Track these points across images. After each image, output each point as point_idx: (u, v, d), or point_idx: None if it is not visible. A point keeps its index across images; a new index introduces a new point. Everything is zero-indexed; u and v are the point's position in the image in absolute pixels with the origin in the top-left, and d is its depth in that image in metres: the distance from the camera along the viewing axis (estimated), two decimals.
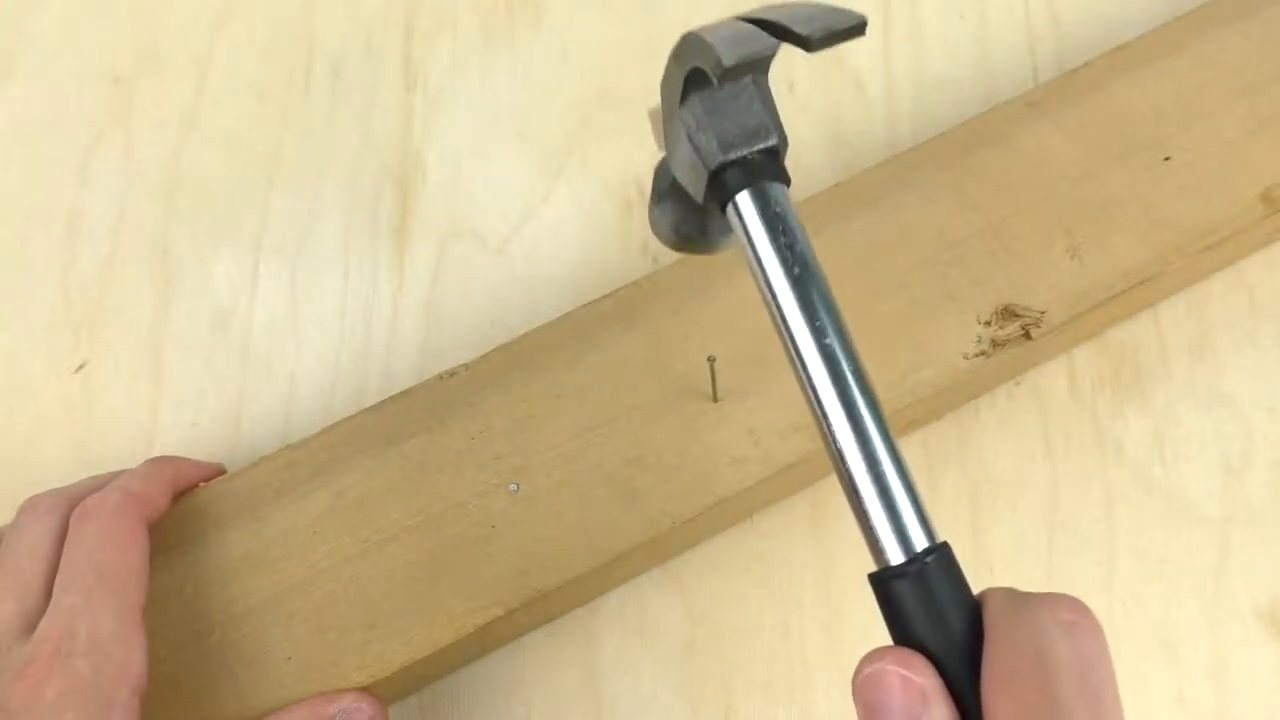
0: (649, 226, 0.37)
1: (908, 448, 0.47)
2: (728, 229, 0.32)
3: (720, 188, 0.31)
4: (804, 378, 0.29)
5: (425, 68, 0.56)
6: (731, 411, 0.44)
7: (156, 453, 0.49)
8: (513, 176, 0.54)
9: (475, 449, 0.44)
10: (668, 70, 0.33)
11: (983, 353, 0.44)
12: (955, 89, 0.54)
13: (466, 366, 0.45)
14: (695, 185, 0.32)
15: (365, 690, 0.40)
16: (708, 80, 0.31)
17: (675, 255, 0.47)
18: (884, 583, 0.28)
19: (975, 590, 0.29)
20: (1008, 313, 0.45)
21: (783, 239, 0.30)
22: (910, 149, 0.49)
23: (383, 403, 0.45)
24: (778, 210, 0.30)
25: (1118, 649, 0.44)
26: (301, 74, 0.56)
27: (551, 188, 0.53)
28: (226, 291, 0.52)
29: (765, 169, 0.31)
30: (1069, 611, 0.27)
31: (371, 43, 0.56)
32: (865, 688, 0.27)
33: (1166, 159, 0.47)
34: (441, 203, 0.53)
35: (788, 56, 0.55)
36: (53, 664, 0.35)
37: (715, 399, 0.44)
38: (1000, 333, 0.45)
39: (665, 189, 0.35)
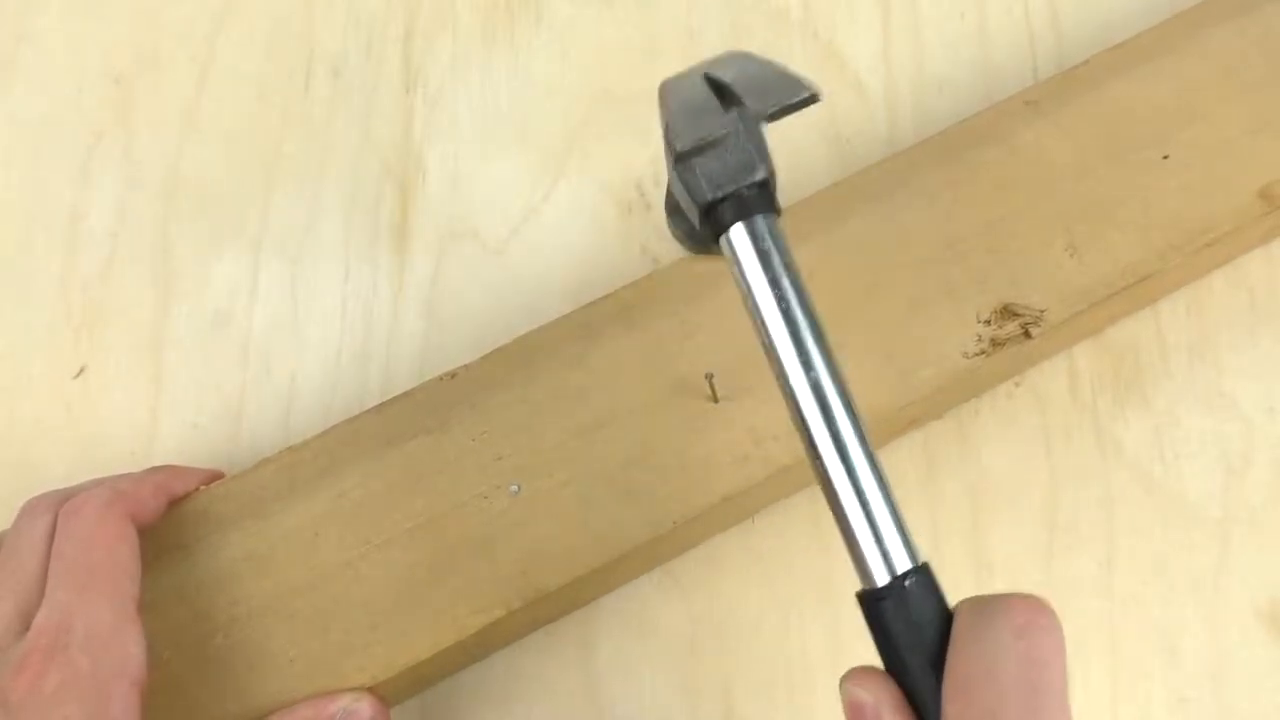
0: (665, 228, 0.38)
1: (908, 447, 0.47)
2: None
3: (713, 223, 0.32)
4: (792, 407, 0.31)
5: (425, 68, 0.56)
6: (732, 411, 0.44)
7: (157, 454, 0.49)
8: (513, 176, 0.54)
9: (476, 450, 0.44)
10: (660, 113, 0.34)
11: (983, 351, 0.44)
12: (955, 89, 0.54)
13: (467, 367, 0.45)
14: (692, 217, 0.33)
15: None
16: (689, 126, 0.32)
17: (675, 255, 0.48)
18: (870, 603, 0.30)
19: (956, 600, 0.30)
20: (1008, 311, 0.45)
21: (771, 272, 0.31)
22: (909, 148, 0.49)
23: (383, 404, 0.45)
24: (765, 244, 0.31)
25: (1118, 649, 0.44)
26: (301, 74, 0.56)
27: (551, 188, 0.53)
28: (226, 291, 0.52)
29: (754, 203, 0.32)
30: (1023, 613, 0.29)
31: (371, 43, 0.56)
32: (844, 705, 0.30)
33: (1165, 157, 0.47)
34: (441, 203, 0.53)
35: (787, 55, 0.55)
36: (50, 658, 0.35)
37: (715, 400, 0.44)
38: (1000, 331, 0.45)
39: (674, 204, 0.35)
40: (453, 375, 0.45)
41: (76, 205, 0.54)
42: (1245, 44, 0.49)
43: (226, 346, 0.51)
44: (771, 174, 0.32)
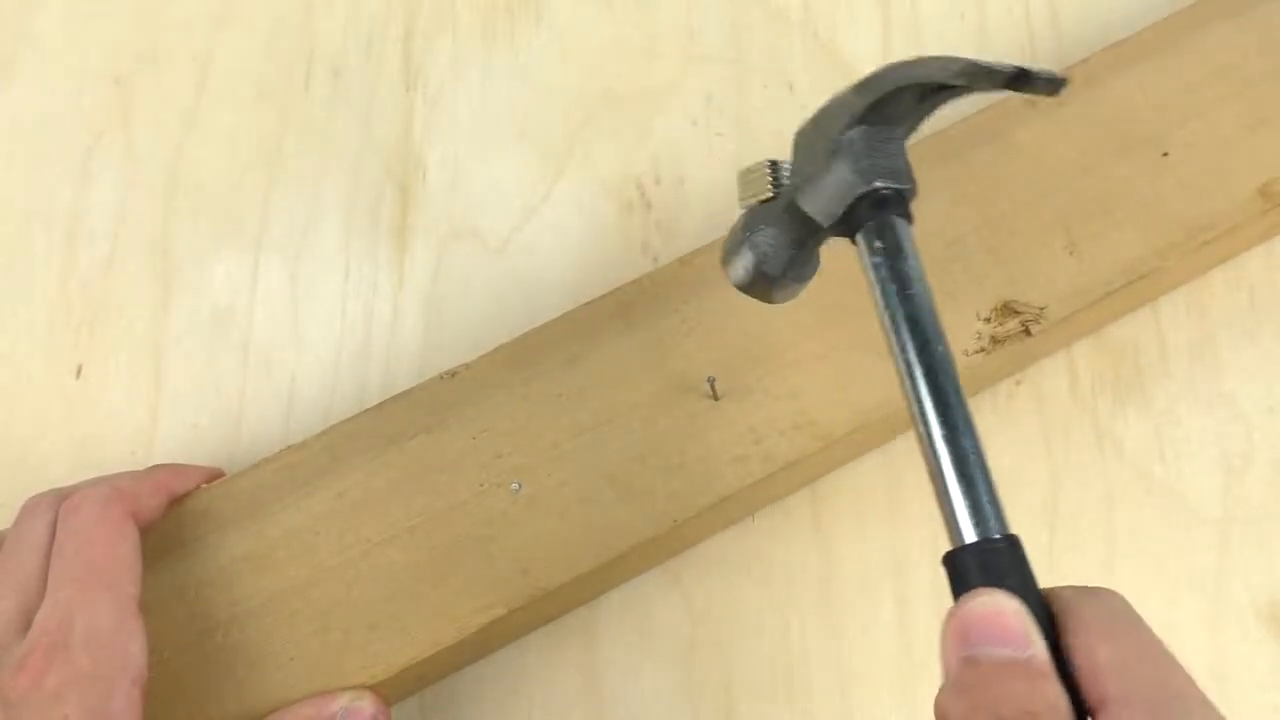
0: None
1: (907, 447, 0.47)
2: (804, 276, 0.38)
3: (858, 211, 0.35)
4: (907, 382, 0.33)
5: (425, 68, 0.56)
6: (732, 410, 0.44)
7: (157, 454, 0.49)
8: (513, 176, 0.54)
9: (476, 449, 0.44)
10: (841, 99, 0.36)
11: (983, 349, 0.44)
12: None
13: (467, 366, 0.45)
14: (831, 206, 0.35)
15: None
16: (874, 118, 0.35)
17: (675, 255, 0.48)
18: (957, 559, 0.31)
19: None
20: (1007, 309, 0.45)
21: (899, 264, 0.34)
22: (909, 146, 0.48)
23: (383, 403, 0.45)
24: (901, 240, 0.34)
25: None
26: (301, 74, 0.56)
27: (552, 188, 0.53)
28: (226, 291, 0.52)
29: (898, 205, 0.35)
30: (1123, 601, 0.30)
31: (371, 43, 0.56)
32: (970, 618, 0.29)
33: (1165, 154, 0.47)
34: (441, 203, 0.53)
35: (786, 57, 0.55)
36: (52, 656, 0.35)
37: (715, 399, 0.44)
38: (1000, 329, 0.45)
39: (758, 225, 0.37)
40: (453, 374, 0.45)
41: (76, 205, 0.54)
42: (1244, 42, 0.49)
43: (226, 346, 0.51)
44: (915, 189, 0.36)
